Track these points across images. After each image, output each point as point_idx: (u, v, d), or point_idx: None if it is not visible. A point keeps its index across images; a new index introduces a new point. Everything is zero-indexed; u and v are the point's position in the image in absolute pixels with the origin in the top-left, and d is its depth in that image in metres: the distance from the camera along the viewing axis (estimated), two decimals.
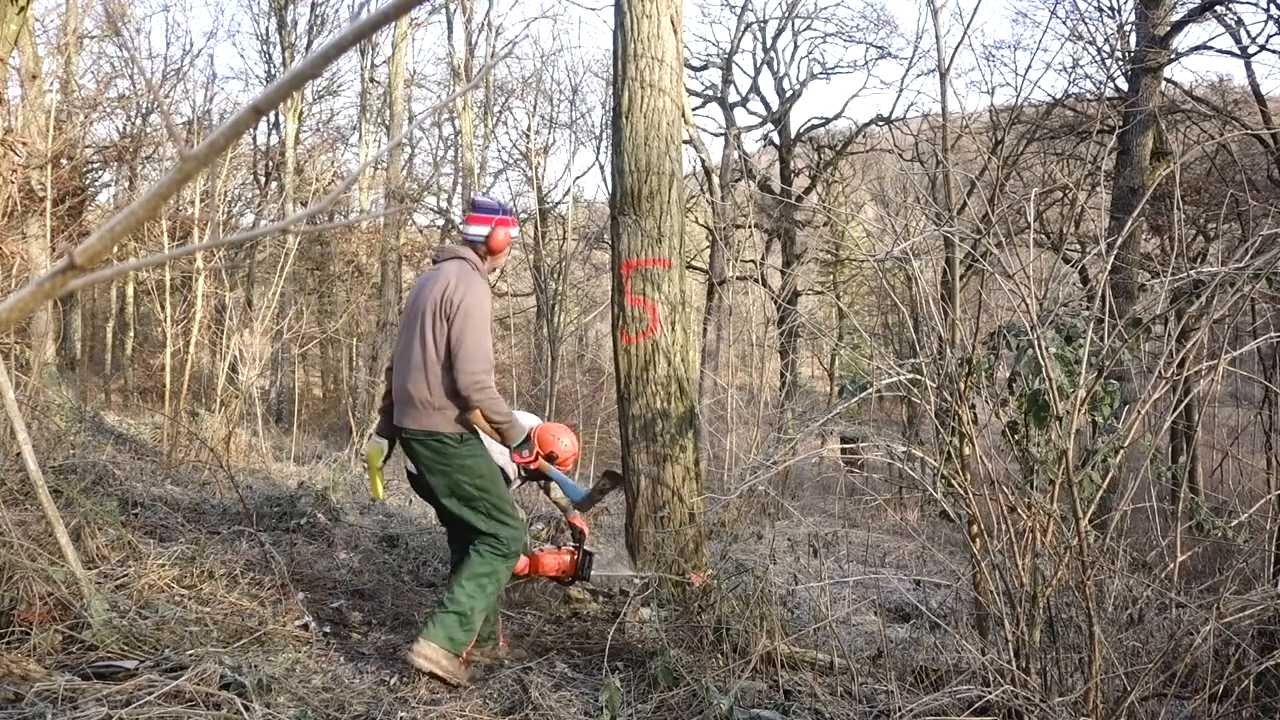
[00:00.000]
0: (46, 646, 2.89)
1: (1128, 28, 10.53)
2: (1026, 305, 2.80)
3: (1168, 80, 10.51)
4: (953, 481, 3.00)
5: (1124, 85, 10.14)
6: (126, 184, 16.64)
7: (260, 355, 8.67)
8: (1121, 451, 2.78)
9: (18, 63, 9.00)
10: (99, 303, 18.80)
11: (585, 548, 4.12)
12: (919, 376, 3.08)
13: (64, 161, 10.95)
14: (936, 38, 4.05)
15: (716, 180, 17.36)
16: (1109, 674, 2.65)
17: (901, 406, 15.85)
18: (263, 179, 20.07)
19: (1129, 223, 4.74)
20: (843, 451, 12.93)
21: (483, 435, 3.45)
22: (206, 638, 3.19)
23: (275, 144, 19.37)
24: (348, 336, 19.34)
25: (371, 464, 3.63)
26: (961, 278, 4.14)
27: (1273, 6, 9.57)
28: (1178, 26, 9.67)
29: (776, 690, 3.22)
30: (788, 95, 20.71)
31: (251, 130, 9.57)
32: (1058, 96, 11.75)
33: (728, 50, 20.84)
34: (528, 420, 4.17)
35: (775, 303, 14.61)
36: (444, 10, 17.85)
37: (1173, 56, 9.80)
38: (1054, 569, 2.72)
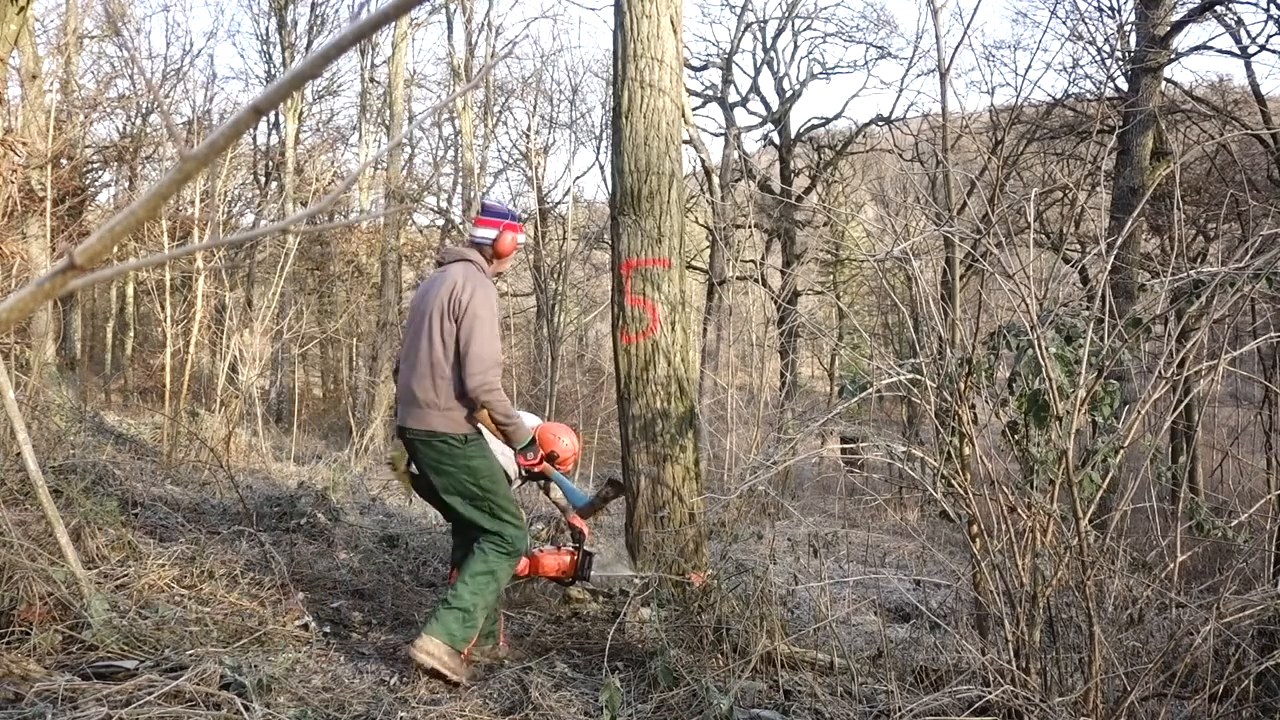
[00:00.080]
0: (46, 646, 2.89)
1: (1128, 28, 10.53)
2: (1026, 305, 2.80)
3: (1168, 80, 10.51)
4: (953, 481, 3.00)
5: (1124, 85, 10.14)
6: (126, 184, 16.65)
7: (260, 355, 8.67)
8: (1121, 451, 2.78)
9: (18, 63, 9.00)
10: (99, 303, 18.80)
11: (585, 548, 4.12)
12: (919, 376, 3.08)
13: (64, 161, 10.95)
14: (936, 38, 4.05)
15: (716, 180, 17.36)
16: (1109, 674, 2.65)
17: (901, 406, 15.85)
18: (263, 179, 20.07)
19: (1129, 223, 4.73)
20: (843, 451, 12.93)
21: (486, 434, 3.46)
22: (206, 638, 3.19)
23: (275, 144, 19.37)
24: (348, 336, 19.34)
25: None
26: (961, 278, 4.14)
27: (1273, 6, 9.57)
28: (1178, 26, 9.66)
29: (776, 690, 3.22)
30: (788, 95, 20.71)
31: (251, 130, 9.56)
32: (1058, 96, 11.76)
33: (728, 50, 20.85)
34: (529, 421, 4.17)
35: (775, 303, 14.61)
36: (444, 10, 17.85)
37: (1173, 56, 9.80)
38: (1054, 569, 2.72)
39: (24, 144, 8.37)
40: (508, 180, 22.51)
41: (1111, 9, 11.28)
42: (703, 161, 17.36)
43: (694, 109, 19.73)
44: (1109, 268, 2.87)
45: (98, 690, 2.58)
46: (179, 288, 10.03)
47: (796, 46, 21.22)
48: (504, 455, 3.70)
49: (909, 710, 2.65)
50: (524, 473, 4.01)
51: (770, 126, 20.60)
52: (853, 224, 18.24)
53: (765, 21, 20.84)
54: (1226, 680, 2.63)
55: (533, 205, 17.67)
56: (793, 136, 20.79)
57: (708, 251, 19.12)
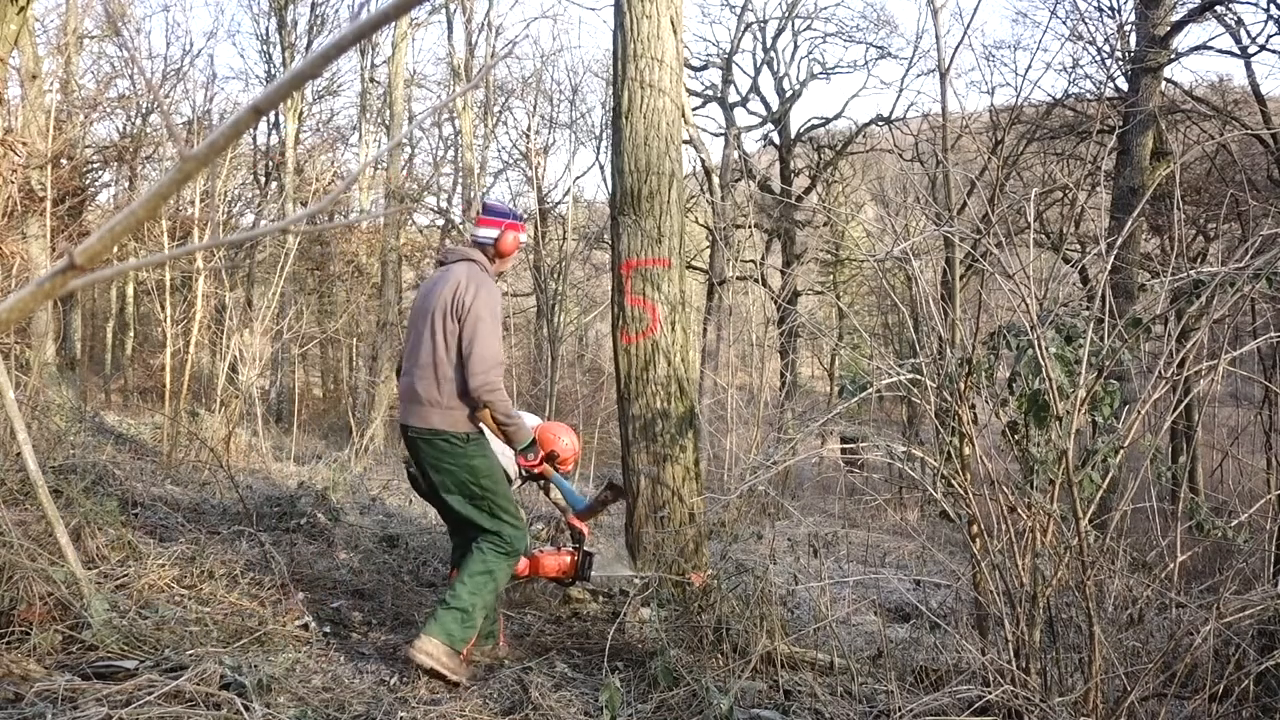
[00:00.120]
0: (46, 646, 2.89)
1: (1128, 28, 10.53)
2: (1026, 305, 2.80)
3: (1168, 80, 10.51)
4: (953, 481, 3.00)
5: (1124, 85, 10.14)
6: (126, 184, 16.65)
7: (260, 355, 8.67)
8: (1121, 451, 2.78)
9: (18, 63, 9.00)
10: (99, 303, 18.80)
11: (585, 548, 4.12)
12: (919, 376, 3.08)
13: (64, 161, 10.95)
14: (936, 38, 4.05)
15: (716, 180, 17.35)
16: (1109, 674, 2.65)
17: (901, 406, 15.85)
18: (263, 179, 20.07)
19: (1129, 223, 4.73)
20: (843, 451, 12.93)
21: (487, 434, 3.46)
22: (206, 638, 3.19)
23: (275, 144, 19.37)
24: (348, 336, 19.34)
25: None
26: (961, 278, 4.14)
27: (1273, 6, 9.57)
28: (1178, 26, 9.66)
29: (776, 690, 3.22)
30: (788, 95, 20.71)
31: (251, 130, 9.57)
32: (1058, 96, 11.75)
33: (728, 50, 20.85)
34: (529, 421, 4.17)
35: (775, 303, 14.60)
36: (444, 10, 17.85)
37: (1173, 56, 9.80)
38: (1054, 569, 2.72)
39: (24, 144, 8.37)
40: (508, 180, 22.53)
41: (1111, 9, 11.29)
42: (703, 161, 17.36)
43: (694, 109, 19.73)
44: (1109, 268, 2.87)
45: (98, 690, 2.58)
46: (179, 288, 10.02)
47: (796, 46, 21.25)
48: (504, 455, 3.70)
49: (909, 710, 2.65)
50: (524, 473, 4.01)
51: (770, 126, 20.60)
52: (853, 224, 18.24)
53: (765, 21, 20.86)
54: (1226, 680, 2.63)
55: (533, 205, 17.68)
56: (793, 136, 20.79)
57: (708, 251, 19.12)
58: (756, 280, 18.53)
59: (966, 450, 3.02)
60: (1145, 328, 2.85)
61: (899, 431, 10.41)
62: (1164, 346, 2.86)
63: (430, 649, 3.11)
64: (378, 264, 16.91)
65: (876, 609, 4.69)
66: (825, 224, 19.99)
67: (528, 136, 18.81)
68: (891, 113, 19.03)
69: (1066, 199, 12.47)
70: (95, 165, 15.73)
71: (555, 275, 13.88)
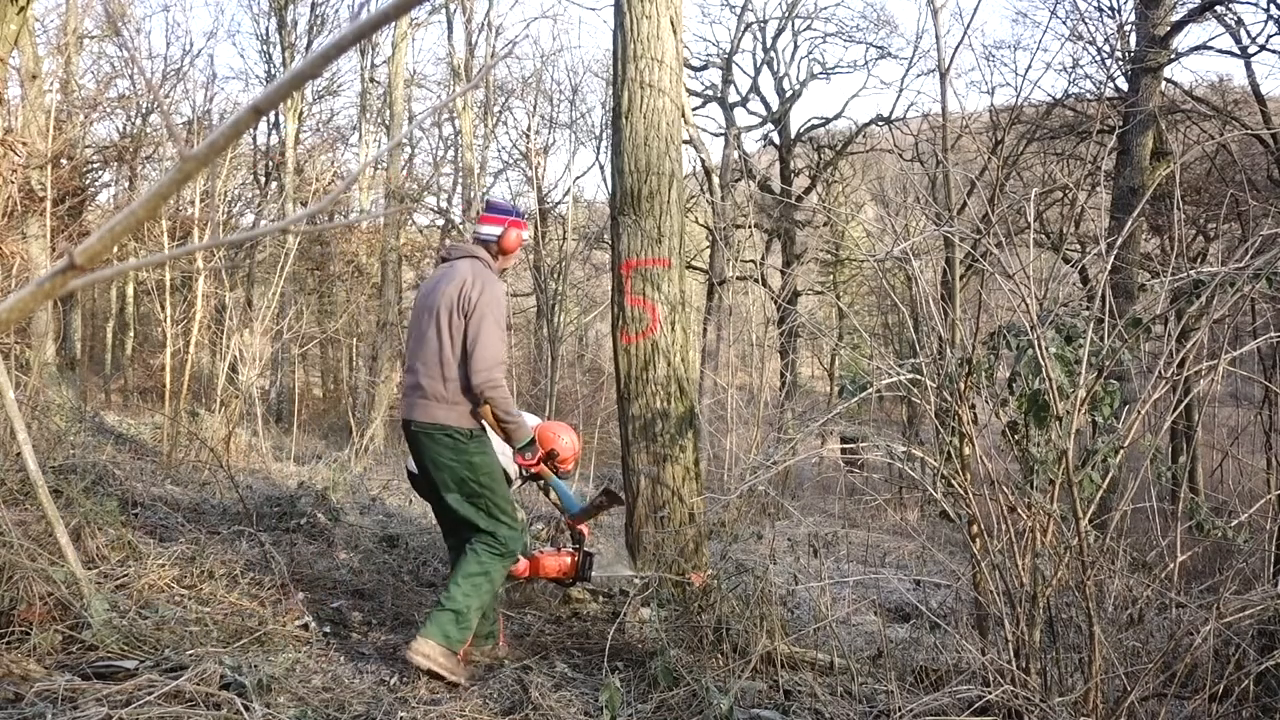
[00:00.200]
0: (46, 646, 2.89)
1: (1128, 28, 10.53)
2: (1026, 305, 2.80)
3: (1168, 80, 10.51)
4: (953, 481, 3.00)
5: (1124, 85, 10.14)
6: (126, 184, 16.65)
7: (260, 355, 8.67)
8: (1121, 451, 2.78)
9: (18, 63, 9.00)
10: (99, 303, 18.81)
11: (585, 549, 4.12)
12: (919, 376, 3.08)
13: (64, 161, 10.95)
14: (936, 38, 4.05)
15: (716, 180, 17.35)
16: (1109, 674, 2.65)
17: (901, 406, 15.85)
18: (263, 179, 20.07)
19: (1129, 223, 4.73)
20: (843, 451, 12.93)
21: (489, 433, 3.47)
22: (206, 638, 3.19)
23: (275, 144, 19.37)
24: (348, 336, 19.34)
25: None
26: (961, 278, 4.14)
27: (1273, 6, 9.58)
28: (1178, 26, 9.66)
29: (776, 690, 3.22)
30: (788, 95, 20.71)
31: (251, 130, 9.57)
32: (1058, 96, 11.75)
33: (728, 50, 20.84)
34: (529, 421, 4.17)
35: (775, 303, 14.60)
36: (444, 10, 17.85)
37: (1173, 56, 9.80)
38: (1054, 569, 2.72)
39: (24, 144, 8.37)
40: (508, 180, 22.51)
41: (1111, 9, 11.29)
42: (703, 161, 17.36)
43: (694, 109, 19.73)
44: (1109, 268, 2.87)
45: (98, 690, 2.58)
46: (179, 288, 10.03)
47: (796, 46, 21.24)
48: (505, 456, 3.70)
49: (909, 710, 2.65)
50: (524, 474, 4.01)
51: (770, 126, 20.60)
52: (853, 224, 18.24)
53: (765, 21, 20.86)
54: (1226, 680, 2.63)
55: (533, 205, 17.67)
56: (793, 136, 20.79)
57: (708, 251, 19.12)
58: (756, 280, 18.53)
59: (966, 450, 3.02)
60: (1145, 328, 2.85)
61: (899, 431, 10.41)
62: (1164, 346, 2.86)
63: (427, 650, 3.11)
64: (378, 264, 16.91)
65: (876, 609, 4.69)
66: (825, 224, 19.99)
67: (528, 136, 18.82)
68: (891, 113, 19.04)
69: (1066, 199, 12.47)
70: (95, 165, 15.73)
71: (555, 275, 13.88)
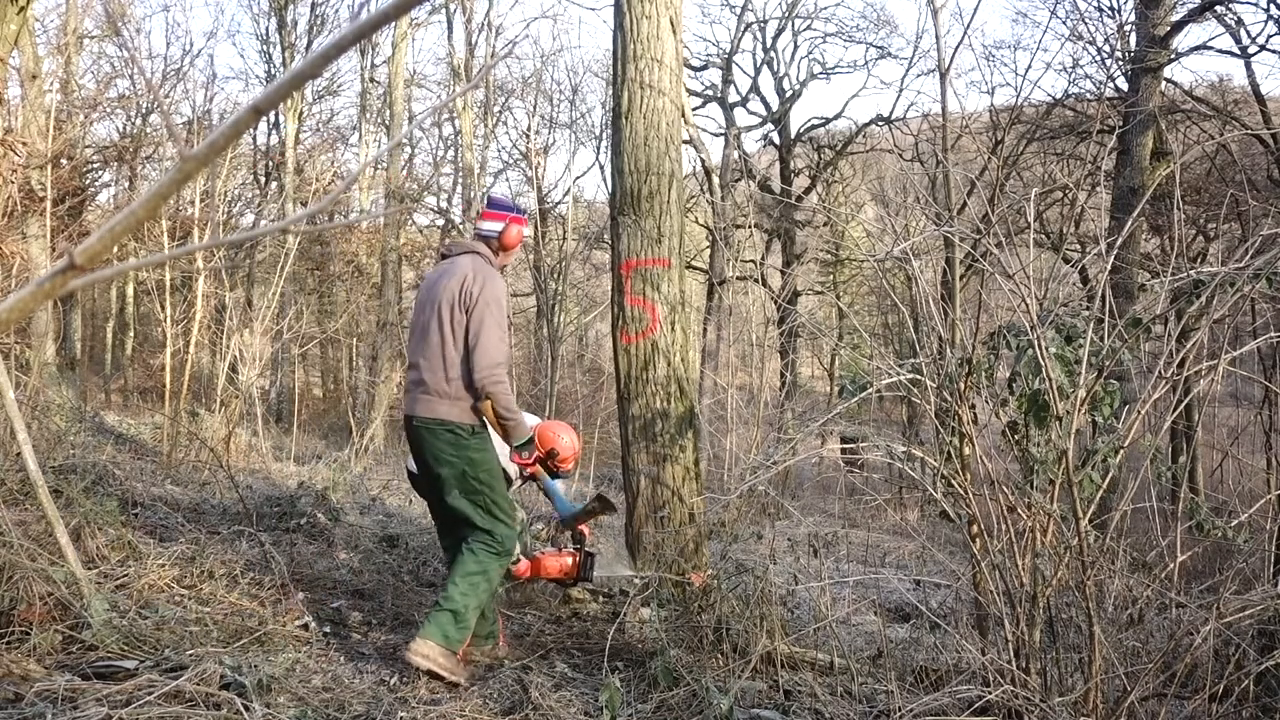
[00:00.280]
0: (46, 646, 2.89)
1: (1128, 28, 10.53)
2: (1026, 305, 2.80)
3: (1168, 80, 10.51)
4: (953, 481, 3.00)
5: (1124, 85, 10.14)
6: (126, 184, 16.65)
7: (260, 355, 8.67)
8: (1121, 451, 2.78)
9: (18, 63, 9.00)
10: (99, 303, 18.81)
11: (587, 549, 4.12)
12: (919, 376, 3.08)
13: (64, 161, 10.95)
14: (936, 38, 4.05)
15: (716, 180, 17.35)
16: (1109, 674, 2.65)
17: (901, 406, 15.85)
18: (263, 179, 20.07)
19: (1129, 223, 4.73)
20: (843, 451, 12.93)
21: (491, 433, 3.47)
22: (206, 638, 3.19)
23: (275, 144, 19.37)
24: (348, 336, 19.34)
25: None
26: (961, 278, 4.14)
27: (1273, 6, 9.58)
28: (1178, 26, 9.66)
29: (776, 690, 3.22)
30: (788, 95, 20.71)
31: (251, 130, 9.57)
32: (1058, 96, 11.76)
33: (728, 50, 20.84)
34: (529, 421, 4.17)
35: (775, 303, 14.60)
36: (444, 10, 17.85)
37: (1173, 56, 9.80)
38: (1054, 569, 2.72)
39: (24, 144, 8.37)
40: (508, 180, 22.50)
41: (1111, 9, 11.29)
42: (703, 161, 17.36)
43: (694, 109, 19.73)
44: (1109, 268, 2.87)
45: (98, 690, 2.58)
46: (179, 288, 10.03)
47: (796, 46, 21.25)
48: (505, 455, 3.70)
49: (909, 710, 2.65)
50: (523, 473, 4.01)
51: (770, 126, 20.60)
52: (853, 224, 18.24)
53: (765, 21, 20.86)
54: (1226, 680, 2.63)
55: (533, 205, 17.67)
56: (793, 136, 20.79)
57: (708, 251, 19.12)
58: (756, 280, 18.53)
59: (966, 450, 3.02)
60: (1145, 328, 2.85)
61: (899, 431, 10.41)
62: (1164, 346, 2.86)
63: (426, 650, 3.11)
64: (378, 264, 16.91)
65: (876, 609, 4.69)
66: (825, 224, 19.99)
67: (528, 136, 18.81)
68: (891, 113, 19.04)
69: (1066, 199, 12.47)
70: (95, 165, 15.73)
71: (555, 275, 13.88)
